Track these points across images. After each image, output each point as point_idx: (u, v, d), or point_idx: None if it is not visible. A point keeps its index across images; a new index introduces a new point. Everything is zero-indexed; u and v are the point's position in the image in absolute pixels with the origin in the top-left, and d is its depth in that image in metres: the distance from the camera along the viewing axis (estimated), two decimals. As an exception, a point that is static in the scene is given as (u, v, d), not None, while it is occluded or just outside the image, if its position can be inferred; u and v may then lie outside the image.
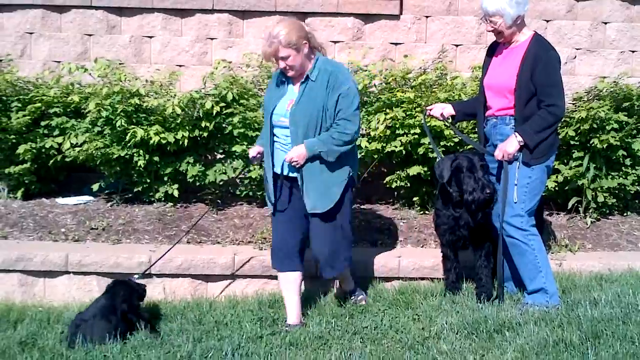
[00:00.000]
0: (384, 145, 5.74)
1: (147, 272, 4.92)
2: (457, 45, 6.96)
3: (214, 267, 5.24)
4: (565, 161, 5.87)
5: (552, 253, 5.37)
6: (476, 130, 4.91)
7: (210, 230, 5.66)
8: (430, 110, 4.86)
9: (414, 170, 5.73)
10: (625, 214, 6.09)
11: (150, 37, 6.94)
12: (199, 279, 5.28)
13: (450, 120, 4.81)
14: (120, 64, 6.15)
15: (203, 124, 5.77)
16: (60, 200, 6.15)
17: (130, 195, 6.12)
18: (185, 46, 6.93)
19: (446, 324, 4.07)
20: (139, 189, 5.99)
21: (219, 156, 6.11)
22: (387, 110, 5.72)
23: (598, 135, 5.67)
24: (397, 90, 5.82)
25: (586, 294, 4.48)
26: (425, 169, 5.74)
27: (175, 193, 5.89)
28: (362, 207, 6.12)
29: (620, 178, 5.87)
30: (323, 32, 6.87)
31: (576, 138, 5.77)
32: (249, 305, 4.79)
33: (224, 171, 5.88)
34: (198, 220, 5.44)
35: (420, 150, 5.68)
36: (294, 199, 4.31)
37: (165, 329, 4.30)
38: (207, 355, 3.78)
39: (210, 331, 4.25)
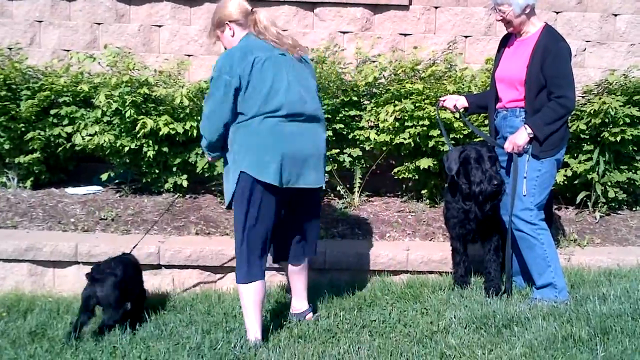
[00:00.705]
0: (393, 137, 5.72)
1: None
2: (466, 37, 6.92)
3: (223, 258, 5.24)
4: (575, 155, 5.83)
5: (561, 248, 5.35)
6: (486, 122, 4.88)
7: (219, 222, 5.66)
8: (444, 101, 4.83)
9: (424, 163, 5.69)
10: (634, 209, 6.05)
11: (159, 26, 6.92)
12: (208, 271, 5.28)
13: (462, 112, 4.79)
14: (129, 52, 6.14)
15: (212, 115, 5.75)
16: (69, 190, 6.16)
17: (139, 185, 6.14)
18: (194, 35, 6.91)
19: (454, 318, 4.06)
20: (148, 179, 6.00)
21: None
22: (396, 102, 5.68)
23: (609, 128, 5.63)
24: (406, 82, 5.78)
25: (595, 289, 4.46)
26: (435, 161, 5.72)
27: (185, 184, 5.90)
28: (370, 199, 6.12)
29: (630, 172, 5.83)
30: (332, 22, 6.85)
31: (586, 131, 5.71)
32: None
33: (232, 162, 5.87)
34: (171, 205, 5.38)
35: (430, 143, 5.65)
36: None
37: (174, 320, 4.32)
38: (216, 347, 3.78)
39: (219, 323, 4.24)
